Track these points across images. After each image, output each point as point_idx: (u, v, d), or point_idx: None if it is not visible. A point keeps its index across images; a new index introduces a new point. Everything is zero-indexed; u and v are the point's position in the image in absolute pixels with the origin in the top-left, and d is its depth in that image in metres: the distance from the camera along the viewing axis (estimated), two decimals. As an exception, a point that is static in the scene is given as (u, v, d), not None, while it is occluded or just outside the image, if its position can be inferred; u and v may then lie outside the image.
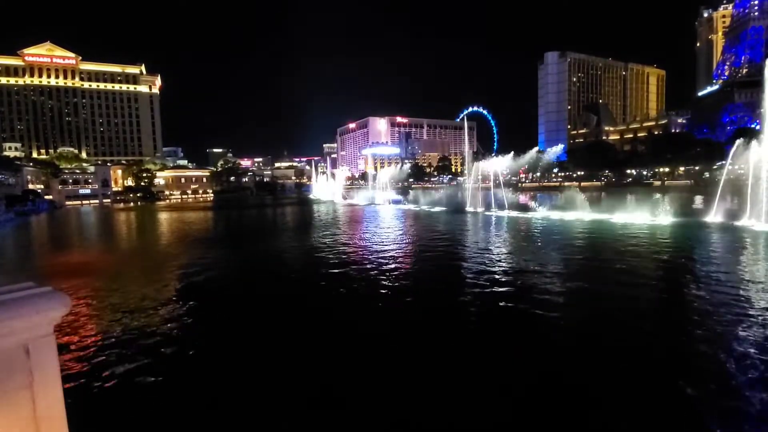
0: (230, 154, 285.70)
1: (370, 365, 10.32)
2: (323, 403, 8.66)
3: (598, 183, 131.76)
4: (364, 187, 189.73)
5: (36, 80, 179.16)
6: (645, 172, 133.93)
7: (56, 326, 1.81)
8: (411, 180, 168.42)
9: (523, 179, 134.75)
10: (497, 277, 18.97)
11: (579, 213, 47.78)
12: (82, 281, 19.89)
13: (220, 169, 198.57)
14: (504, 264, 22.03)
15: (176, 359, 10.99)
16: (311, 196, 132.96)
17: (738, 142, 43.38)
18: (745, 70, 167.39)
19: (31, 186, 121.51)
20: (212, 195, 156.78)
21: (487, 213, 55.71)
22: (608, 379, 9.37)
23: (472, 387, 9.16)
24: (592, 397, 8.68)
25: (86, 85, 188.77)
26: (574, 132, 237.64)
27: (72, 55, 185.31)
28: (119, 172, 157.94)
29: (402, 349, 11.31)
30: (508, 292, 16.56)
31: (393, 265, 22.24)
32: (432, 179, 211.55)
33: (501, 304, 15.06)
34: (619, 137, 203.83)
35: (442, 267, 22.17)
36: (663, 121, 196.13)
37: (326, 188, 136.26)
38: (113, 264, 26.18)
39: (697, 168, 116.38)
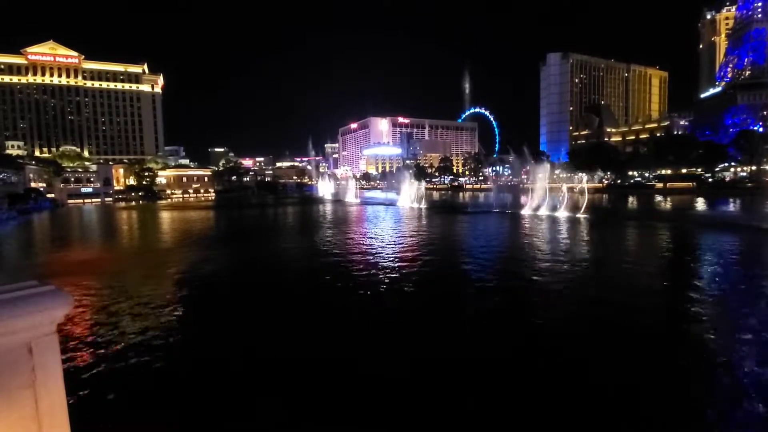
0: (232, 154, 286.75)
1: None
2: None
3: (600, 184, 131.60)
4: (369, 186, 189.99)
5: (39, 79, 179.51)
6: (647, 174, 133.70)
7: (59, 325, 1.78)
8: (412, 180, 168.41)
9: (525, 180, 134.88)
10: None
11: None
12: (84, 279, 19.88)
13: (221, 168, 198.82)
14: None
15: (179, 361, 10.98)
16: (315, 196, 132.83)
17: None
18: (747, 73, 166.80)
19: (33, 184, 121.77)
20: (214, 194, 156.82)
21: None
22: None
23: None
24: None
25: (89, 83, 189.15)
26: (576, 133, 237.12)
27: (75, 53, 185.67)
28: (121, 170, 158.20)
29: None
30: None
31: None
32: (433, 179, 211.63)
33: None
34: (620, 139, 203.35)
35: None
36: (665, 123, 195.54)
37: (331, 187, 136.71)
38: (116, 262, 26.17)
39: (699, 170, 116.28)
